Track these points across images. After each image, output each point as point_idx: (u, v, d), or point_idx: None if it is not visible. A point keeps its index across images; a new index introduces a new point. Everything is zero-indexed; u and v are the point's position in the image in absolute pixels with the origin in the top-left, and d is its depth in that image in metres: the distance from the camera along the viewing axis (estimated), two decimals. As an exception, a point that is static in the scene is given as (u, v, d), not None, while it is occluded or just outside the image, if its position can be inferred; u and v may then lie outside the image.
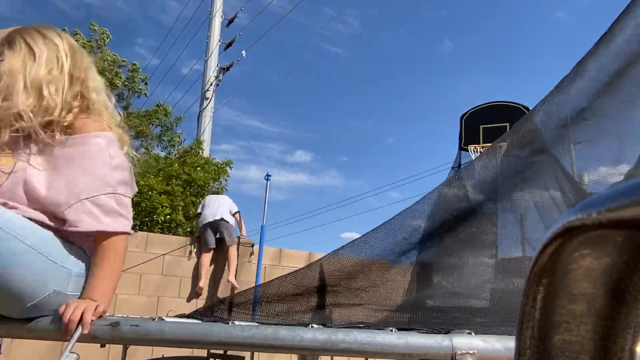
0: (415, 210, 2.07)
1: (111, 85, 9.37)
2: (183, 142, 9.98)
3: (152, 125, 9.58)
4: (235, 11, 13.32)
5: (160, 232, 7.06)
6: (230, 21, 13.25)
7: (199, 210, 6.62)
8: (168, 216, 7.05)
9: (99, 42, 9.66)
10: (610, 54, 1.90)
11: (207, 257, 6.31)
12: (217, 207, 6.43)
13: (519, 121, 2.19)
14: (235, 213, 6.62)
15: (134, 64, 10.23)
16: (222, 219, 6.32)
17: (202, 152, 8.78)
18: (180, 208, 7.26)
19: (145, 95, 10.66)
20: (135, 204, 6.95)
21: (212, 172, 7.94)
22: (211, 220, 6.29)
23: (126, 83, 9.80)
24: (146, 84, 10.69)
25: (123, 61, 10.07)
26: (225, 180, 8.17)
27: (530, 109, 2.29)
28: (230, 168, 8.37)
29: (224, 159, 8.33)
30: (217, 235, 6.45)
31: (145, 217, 6.98)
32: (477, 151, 6.77)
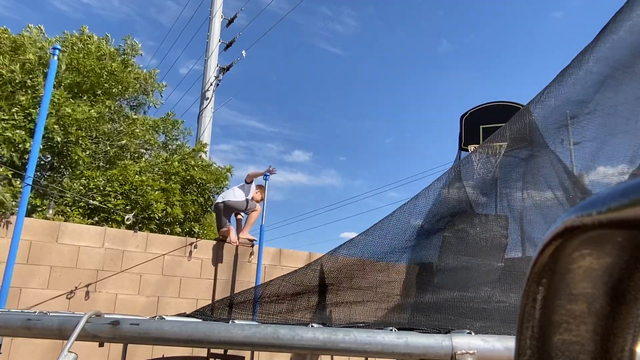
0: (414, 208, 2.06)
1: (136, 96, 9.23)
2: (186, 144, 9.87)
3: (157, 133, 9.46)
4: (235, 11, 13.33)
5: (157, 228, 7.03)
6: (230, 21, 13.25)
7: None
8: (164, 212, 7.02)
9: (128, 53, 9.48)
10: (611, 46, 1.89)
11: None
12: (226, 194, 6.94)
13: (515, 116, 2.20)
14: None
15: (153, 70, 9.97)
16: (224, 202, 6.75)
17: (206, 154, 8.74)
18: (177, 204, 7.23)
19: (156, 106, 10.48)
20: (131, 201, 6.93)
21: (212, 175, 7.91)
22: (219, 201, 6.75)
23: (144, 89, 9.59)
24: (162, 94, 10.47)
25: (159, 85, 9.82)
26: (225, 184, 8.15)
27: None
28: (231, 174, 8.36)
29: (223, 159, 8.32)
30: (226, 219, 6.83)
31: (141, 214, 6.94)
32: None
